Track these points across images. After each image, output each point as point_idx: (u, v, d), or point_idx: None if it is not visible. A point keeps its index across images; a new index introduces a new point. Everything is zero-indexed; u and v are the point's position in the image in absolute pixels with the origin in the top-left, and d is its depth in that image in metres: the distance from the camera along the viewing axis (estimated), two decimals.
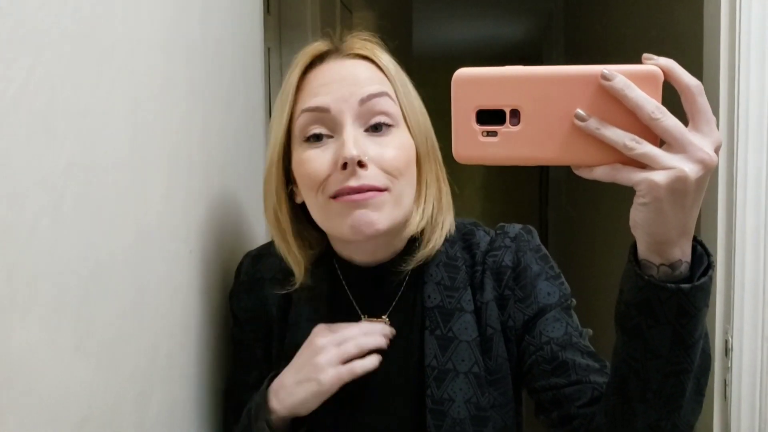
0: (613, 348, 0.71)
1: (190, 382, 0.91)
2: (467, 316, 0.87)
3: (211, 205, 0.98)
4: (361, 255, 0.90)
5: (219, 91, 1.03)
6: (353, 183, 0.80)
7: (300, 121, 0.84)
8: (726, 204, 1.26)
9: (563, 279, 0.90)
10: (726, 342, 1.27)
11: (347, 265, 0.91)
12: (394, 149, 0.83)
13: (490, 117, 0.62)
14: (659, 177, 0.58)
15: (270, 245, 0.95)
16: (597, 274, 2.99)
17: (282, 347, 0.91)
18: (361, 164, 0.80)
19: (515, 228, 0.92)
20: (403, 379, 0.88)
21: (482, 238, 0.91)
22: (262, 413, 0.84)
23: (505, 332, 0.87)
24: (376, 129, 0.83)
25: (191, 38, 0.92)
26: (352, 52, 0.86)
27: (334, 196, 0.81)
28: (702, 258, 0.65)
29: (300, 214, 0.90)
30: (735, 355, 1.26)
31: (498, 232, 0.92)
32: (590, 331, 0.88)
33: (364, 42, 0.87)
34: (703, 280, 0.63)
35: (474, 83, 0.62)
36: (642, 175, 0.59)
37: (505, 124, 0.61)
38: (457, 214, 0.92)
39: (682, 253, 0.63)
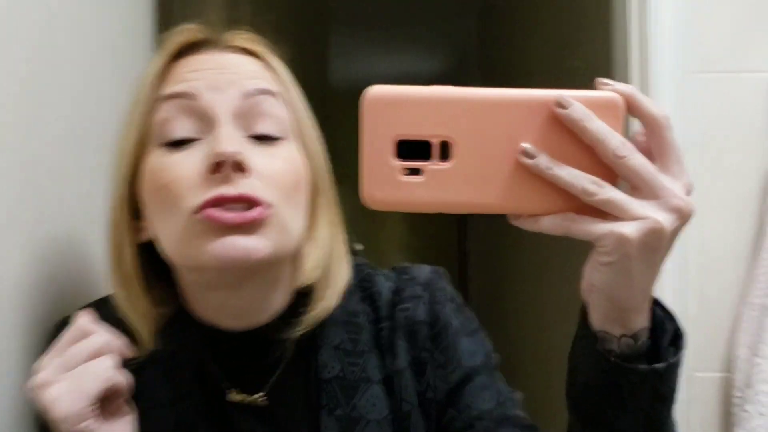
0: (567, 431, 0.60)
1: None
2: (375, 389, 0.69)
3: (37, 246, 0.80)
4: (227, 317, 0.68)
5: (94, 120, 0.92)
6: (228, 191, 0.60)
7: (158, 117, 0.64)
8: None
9: (482, 332, 0.76)
10: None
11: (209, 331, 0.68)
12: (283, 161, 0.65)
13: (412, 150, 0.49)
14: (629, 229, 0.47)
15: (103, 304, 0.70)
16: (525, 309, 2.94)
17: None
18: (240, 166, 0.61)
19: (424, 272, 0.75)
20: None
21: (383, 285, 0.74)
22: None
23: (423, 405, 0.70)
24: (261, 139, 0.65)
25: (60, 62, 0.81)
26: (234, 44, 0.68)
27: (199, 210, 0.60)
28: (660, 318, 0.54)
29: (146, 259, 0.68)
30: None
31: (403, 277, 0.75)
32: (520, 394, 0.75)
33: (250, 36, 0.70)
34: (678, 355, 0.53)
35: (393, 106, 0.48)
36: (606, 227, 0.47)
37: (432, 160, 0.49)
38: (374, 248, 0.78)
39: (645, 319, 0.52)
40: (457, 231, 5.89)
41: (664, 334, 0.54)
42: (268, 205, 0.62)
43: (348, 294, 0.72)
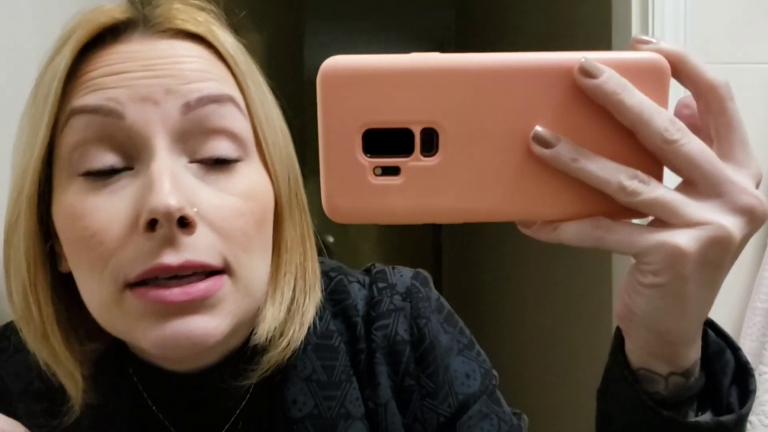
0: None
1: None
2: (357, 426, 0.57)
3: None
4: (171, 362, 0.56)
5: None
6: (170, 259, 0.46)
7: (70, 139, 0.48)
8: None
9: (477, 345, 0.63)
10: None
11: (149, 371, 0.56)
12: (242, 199, 0.50)
13: (387, 142, 0.36)
14: (685, 240, 0.35)
15: (8, 334, 0.59)
16: (502, 304, 2.88)
17: None
18: (185, 222, 0.46)
19: (404, 278, 0.62)
20: None
21: (357, 294, 0.61)
22: None
23: None
24: (213, 164, 0.50)
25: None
26: (171, 26, 0.51)
27: (134, 285, 0.47)
28: (717, 348, 0.43)
29: (60, 286, 0.53)
30: None
31: (379, 285, 0.61)
32: (526, 420, 0.64)
33: (193, 12, 0.52)
34: (749, 403, 0.41)
35: (359, 84, 0.35)
36: (653, 237, 0.36)
37: (414, 154, 0.36)
38: (342, 249, 0.65)
39: (697, 350, 0.41)
40: (432, 225, 5.84)
41: (725, 367, 0.43)
42: (222, 271, 0.49)
43: (318, 311, 0.58)
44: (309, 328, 0.57)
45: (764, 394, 1.03)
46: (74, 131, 0.48)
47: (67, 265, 0.51)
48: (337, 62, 0.35)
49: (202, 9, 0.53)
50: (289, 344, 0.55)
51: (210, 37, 0.51)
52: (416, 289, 0.61)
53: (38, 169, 0.49)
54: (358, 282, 0.62)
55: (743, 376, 0.42)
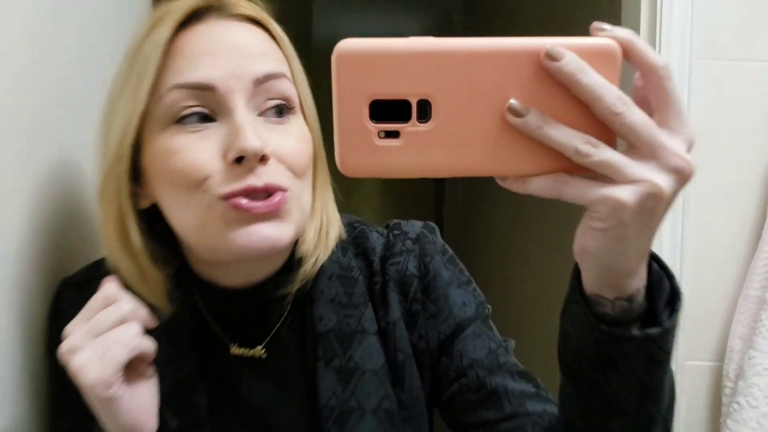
0: (559, 392, 0.59)
1: None
2: (371, 340, 0.70)
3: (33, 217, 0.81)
4: (230, 277, 0.69)
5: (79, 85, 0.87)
6: (255, 182, 0.60)
7: (169, 99, 0.62)
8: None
9: (474, 284, 0.76)
10: None
11: (209, 288, 0.70)
12: (296, 140, 0.65)
13: (389, 111, 0.44)
14: (626, 194, 0.43)
15: (96, 268, 0.71)
16: (502, 274, 2.95)
17: None
18: (262, 158, 0.61)
19: (415, 227, 0.76)
20: (291, 426, 0.70)
21: (376, 241, 0.75)
22: None
23: (417, 355, 0.72)
24: (276, 113, 0.65)
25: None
26: (238, 12, 0.66)
27: (226, 198, 0.60)
28: (658, 276, 0.52)
29: (140, 220, 0.67)
30: None
31: (395, 232, 0.75)
32: (513, 343, 0.75)
33: (254, 5, 0.68)
34: (674, 318, 0.50)
35: (367, 63, 0.43)
36: (600, 191, 0.44)
37: (411, 121, 0.44)
38: (348, 211, 0.77)
39: (641, 279, 0.50)
40: (435, 195, 5.90)
41: (661, 295, 0.51)
42: (287, 190, 0.62)
43: (342, 250, 0.73)
44: (334, 263, 0.72)
45: (753, 377, 1.09)
46: (175, 96, 0.62)
47: (146, 202, 0.66)
48: (348, 44, 0.43)
49: (253, 1, 0.68)
50: (317, 261, 0.69)
51: (266, 23, 0.67)
52: (425, 236, 0.75)
53: (136, 126, 0.63)
54: (377, 232, 0.76)
55: (674, 298, 0.51)
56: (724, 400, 1.15)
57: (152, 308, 0.63)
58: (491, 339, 0.72)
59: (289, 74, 0.66)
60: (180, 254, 0.70)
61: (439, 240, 0.76)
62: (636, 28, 1.21)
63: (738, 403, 1.11)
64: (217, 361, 0.70)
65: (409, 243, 0.74)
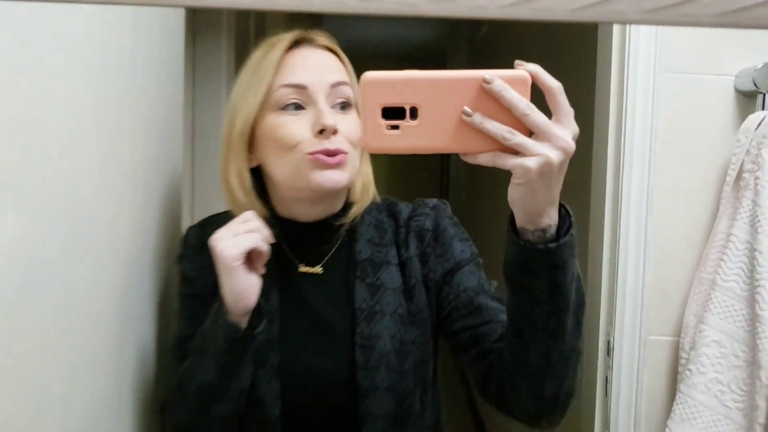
0: (506, 300, 0.86)
1: (111, 381, 0.94)
2: (393, 268, 1.02)
3: (136, 208, 1.00)
4: (304, 215, 1.01)
5: (143, 102, 1.05)
6: (330, 145, 0.94)
7: (278, 94, 0.96)
8: (611, 222, 1.38)
9: (471, 242, 1.06)
10: (608, 343, 1.40)
11: (288, 223, 1.02)
12: (353, 124, 0.97)
13: (393, 113, 0.68)
14: (531, 162, 0.68)
15: (209, 218, 1.08)
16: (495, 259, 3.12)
17: None
18: (334, 131, 0.94)
19: (433, 200, 1.09)
20: (336, 321, 1.00)
21: (404, 208, 1.08)
22: (221, 315, 0.91)
23: (426, 283, 1.02)
24: (341, 107, 0.98)
25: (122, 59, 0.95)
26: (320, 43, 1.01)
27: (312, 154, 0.94)
28: (566, 219, 0.78)
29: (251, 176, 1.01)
30: (615, 354, 1.38)
31: (418, 203, 1.08)
32: (495, 283, 1.01)
33: (329, 39, 1.03)
34: (566, 238, 0.76)
35: (379, 84, 0.68)
36: (517, 161, 0.69)
37: (406, 119, 0.68)
38: None
39: (550, 219, 0.75)
40: (440, 178, 6.09)
41: (565, 226, 0.77)
42: (347, 153, 0.95)
43: (378, 211, 1.07)
44: (372, 218, 1.05)
45: (703, 347, 1.27)
46: (282, 92, 0.96)
47: (252, 164, 1.00)
48: (370, 74, 0.68)
49: (329, 36, 1.02)
50: (360, 207, 1.03)
51: (336, 50, 1.02)
52: (440, 205, 1.07)
53: (257, 111, 0.97)
54: (405, 204, 1.08)
55: (569, 228, 0.77)
56: (680, 368, 1.33)
57: None
58: (479, 276, 1.02)
59: (349, 82, 0.99)
60: (268, 203, 1.02)
61: (449, 210, 1.08)
62: (608, 46, 1.38)
63: (689, 370, 1.28)
64: (289, 276, 1.02)
65: (427, 209, 1.06)
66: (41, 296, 0.72)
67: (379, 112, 0.68)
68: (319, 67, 0.97)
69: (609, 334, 1.40)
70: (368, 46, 6.07)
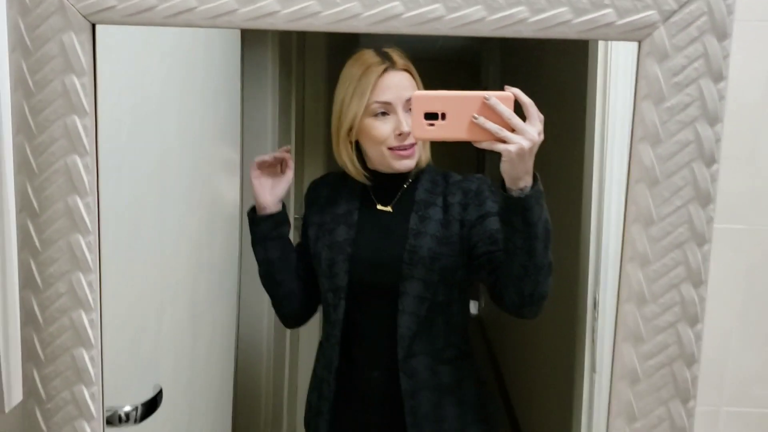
0: (502, 234, 1.26)
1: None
2: (438, 208, 1.40)
3: (207, 179, 1.30)
4: (385, 170, 1.40)
5: (209, 100, 1.35)
6: (404, 143, 1.33)
7: (373, 106, 1.34)
8: (597, 197, 1.63)
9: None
10: (595, 299, 1.65)
11: (373, 173, 1.42)
12: None
13: (430, 116, 1.05)
14: (512, 148, 1.06)
15: (322, 176, 1.53)
16: None
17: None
18: (408, 133, 1.32)
19: (479, 174, 1.46)
20: (396, 235, 1.39)
21: (454, 175, 1.45)
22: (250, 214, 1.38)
23: (462, 222, 1.38)
24: (410, 111, 1.29)
25: (196, 62, 1.25)
26: (399, 67, 1.35)
27: (392, 149, 1.34)
28: (537, 182, 1.15)
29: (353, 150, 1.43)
30: (600, 309, 1.63)
31: (467, 175, 1.46)
32: None
33: (406, 60, 1.38)
34: (533, 191, 1.14)
35: (423, 99, 1.07)
36: (504, 146, 1.06)
37: (438, 120, 1.05)
38: None
39: (525, 182, 1.13)
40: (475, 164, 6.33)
41: (536, 184, 1.14)
42: (415, 145, 1.34)
43: (435, 174, 1.42)
44: (429, 177, 1.40)
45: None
46: (375, 106, 1.31)
47: (355, 137, 1.36)
48: (418, 93, 1.06)
49: (406, 56, 1.37)
50: (418, 169, 1.39)
51: (412, 72, 1.36)
52: (483, 178, 1.41)
53: (359, 117, 1.32)
54: (456, 174, 1.44)
55: (538, 186, 1.14)
56: None
57: (355, 182, 1.40)
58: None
59: None
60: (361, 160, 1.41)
61: (489, 181, 1.41)
62: (594, 73, 1.63)
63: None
64: (370, 210, 1.42)
65: (474, 179, 1.42)
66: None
67: (422, 115, 1.06)
68: (399, 87, 1.33)
69: (596, 292, 1.65)
70: (407, 47, 6.34)
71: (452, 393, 1.40)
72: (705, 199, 0.77)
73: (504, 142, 1.07)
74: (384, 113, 1.33)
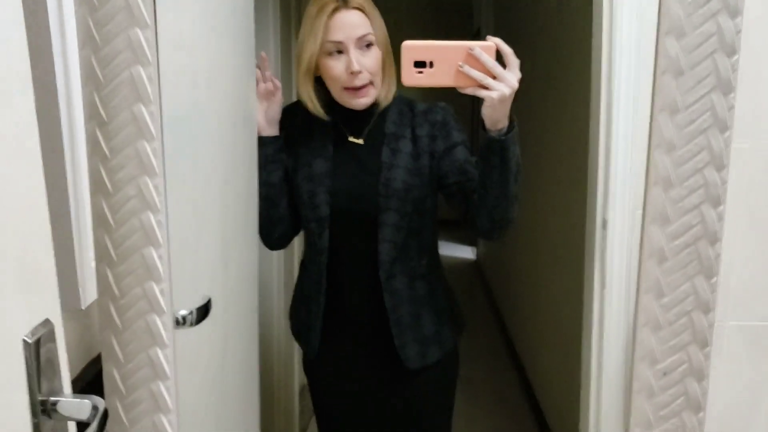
0: (478, 167, 1.39)
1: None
2: (407, 140, 1.50)
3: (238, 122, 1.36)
4: (352, 105, 1.48)
5: (237, 47, 1.40)
6: (358, 83, 1.42)
7: (327, 46, 1.42)
8: (605, 145, 1.71)
9: (464, 131, 1.52)
10: (604, 219, 1.73)
11: (341, 108, 1.49)
12: (374, 59, 1.43)
13: (419, 64, 1.18)
14: (493, 94, 1.21)
15: (295, 104, 1.59)
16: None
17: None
18: (360, 71, 1.40)
19: (442, 103, 1.55)
20: (370, 167, 1.50)
21: (420, 105, 1.55)
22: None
23: (432, 153, 1.49)
24: (366, 47, 1.43)
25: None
26: (352, 5, 1.41)
27: (346, 88, 1.44)
28: (513, 125, 1.31)
29: (318, 86, 1.51)
30: (610, 227, 1.71)
31: (432, 103, 1.55)
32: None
33: None
34: (510, 133, 1.30)
35: (412, 48, 1.20)
36: (486, 92, 1.21)
37: (426, 68, 1.19)
38: None
39: (503, 125, 1.29)
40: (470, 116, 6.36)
41: (513, 127, 1.32)
42: (370, 83, 1.44)
43: (402, 104, 1.53)
44: (396, 108, 1.51)
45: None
46: (328, 45, 1.42)
47: (318, 74, 1.48)
48: (408, 42, 1.21)
49: None
50: (385, 101, 1.49)
51: (365, 9, 1.42)
52: (447, 108, 1.53)
53: (314, 55, 1.43)
54: (421, 103, 1.54)
55: (514, 128, 1.32)
56: None
57: (316, 117, 1.48)
58: (467, 153, 1.49)
59: (372, 31, 1.42)
60: (332, 97, 1.49)
61: (452, 111, 1.53)
62: (599, 13, 1.68)
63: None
64: (342, 141, 1.51)
65: (438, 109, 1.52)
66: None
67: (412, 63, 1.19)
68: (350, 26, 1.39)
69: (605, 211, 1.73)
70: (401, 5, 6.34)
71: (427, 302, 1.56)
72: (727, 87, 0.83)
73: (486, 89, 1.20)
74: (339, 51, 1.40)
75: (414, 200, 1.48)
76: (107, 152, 0.88)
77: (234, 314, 1.37)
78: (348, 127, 1.52)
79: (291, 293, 1.73)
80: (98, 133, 0.88)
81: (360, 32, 1.40)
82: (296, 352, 2.71)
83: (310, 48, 1.42)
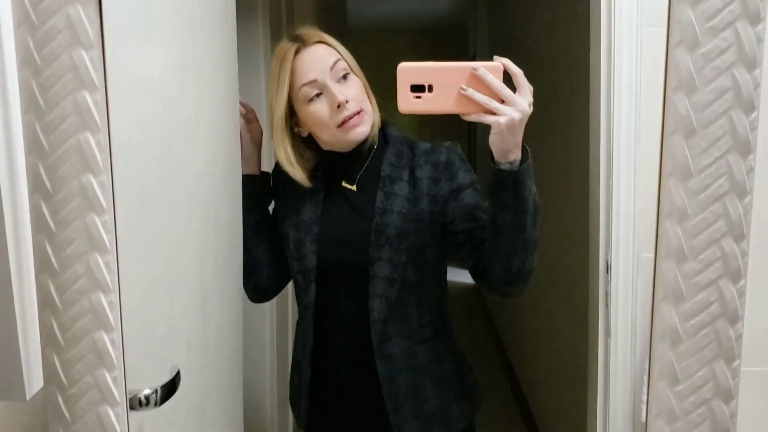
0: (489, 207, 1.21)
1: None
2: (404, 183, 1.34)
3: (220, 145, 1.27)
4: (343, 149, 1.36)
5: (219, 72, 1.31)
6: (348, 113, 1.27)
7: (302, 92, 1.29)
8: (606, 162, 1.61)
9: (473, 172, 1.37)
10: (607, 262, 1.64)
11: (332, 155, 1.37)
12: (356, 87, 1.30)
13: (417, 88, 1.05)
14: (502, 119, 1.06)
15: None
16: None
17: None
18: (346, 102, 1.26)
19: (447, 142, 1.39)
20: (362, 213, 1.35)
21: (422, 144, 1.39)
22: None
23: (434, 198, 1.33)
24: (344, 78, 1.29)
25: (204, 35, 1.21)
26: (312, 42, 1.30)
27: (339, 125, 1.28)
28: (526, 155, 1.14)
29: (299, 142, 1.38)
30: (613, 271, 1.62)
31: (436, 143, 1.39)
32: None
33: (316, 33, 1.33)
34: (523, 165, 1.13)
35: (409, 70, 1.06)
36: (493, 118, 1.06)
37: (425, 92, 1.05)
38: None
39: (515, 155, 1.12)
40: (467, 136, 6.33)
41: (526, 159, 1.14)
42: (361, 110, 1.28)
43: (401, 144, 1.38)
44: (394, 148, 1.37)
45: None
46: (304, 90, 1.29)
47: (305, 132, 1.35)
48: (403, 64, 1.06)
49: (316, 29, 1.33)
50: (374, 134, 1.34)
51: (325, 41, 1.31)
52: (452, 147, 1.37)
53: (287, 102, 1.30)
54: (423, 143, 1.39)
55: (528, 160, 1.14)
56: None
57: (321, 158, 1.38)
58: (476, 197, 1.33)
59: (341, 58, 1.30)
60: (320, 151, 1.37)
61: (459, 149, 1.38)
62: (597, 4, 1.60)
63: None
64: (336, 187, 1.38)
65: (443, 148, 1.36)
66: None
67: (408, 88, 1.05)
68: (317, 61, 1.28)
69: (608, 254, 1.63)
70: (392, 20, 6.28)
71: (430, 372, 1.36)
72: (745, 148, 0.74)
73: (493, 114, 1.05)
74: (318, 94, 1.27)
75: (409, 249, 1.30)
76: (53, 227, 0.79)
77: (214, 378, 1.27)
78: (342, 172, 1.38)
79: (286, 353, 1.60)
80: (43, 207, 0.79)
81: (330, 61, 1.27)
82: (290, 419, 2.55)
83: (281, 102, 1.30)
